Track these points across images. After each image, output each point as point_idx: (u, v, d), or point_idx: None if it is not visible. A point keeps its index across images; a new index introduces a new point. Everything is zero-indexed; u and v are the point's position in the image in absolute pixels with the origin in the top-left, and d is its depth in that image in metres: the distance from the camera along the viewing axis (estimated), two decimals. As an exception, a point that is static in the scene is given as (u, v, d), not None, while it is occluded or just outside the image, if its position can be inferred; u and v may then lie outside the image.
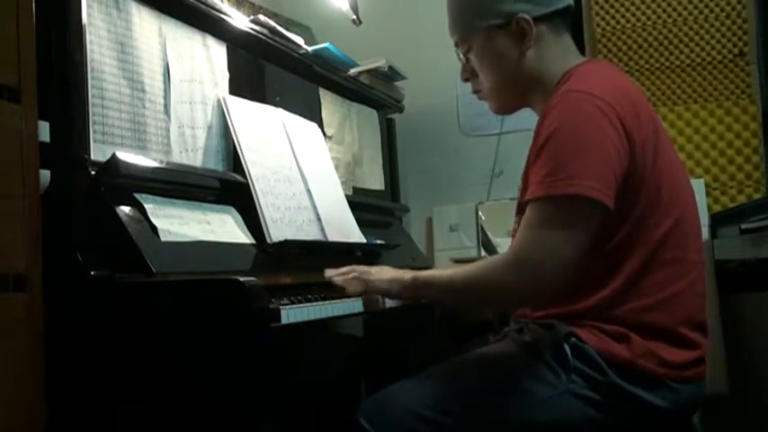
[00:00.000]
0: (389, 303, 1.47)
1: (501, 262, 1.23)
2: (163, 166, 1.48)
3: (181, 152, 1.61)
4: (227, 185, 1.64)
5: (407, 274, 1.37)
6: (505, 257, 1.22)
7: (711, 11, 2.66)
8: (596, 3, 2.74)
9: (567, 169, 1.17)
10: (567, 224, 1.18)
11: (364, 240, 1.97)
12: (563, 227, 1.18)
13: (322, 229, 1.80)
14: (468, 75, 1.46)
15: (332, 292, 1.42)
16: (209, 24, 1.73)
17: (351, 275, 1.42)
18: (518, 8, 1.34)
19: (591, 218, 1.18)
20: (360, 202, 2.20)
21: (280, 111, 1.90)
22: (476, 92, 1.48)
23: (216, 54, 1.76)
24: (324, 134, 2.12)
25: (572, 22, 1.42)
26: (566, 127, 1.20)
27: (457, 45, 1.45)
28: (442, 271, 1.39)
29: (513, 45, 1.36)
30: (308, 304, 1.26)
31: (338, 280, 1.42)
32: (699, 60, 2.66)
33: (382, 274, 1.41)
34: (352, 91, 2.39)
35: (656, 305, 1.24)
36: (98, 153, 1.37)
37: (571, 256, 1.18)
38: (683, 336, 1.25)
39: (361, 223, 2.02)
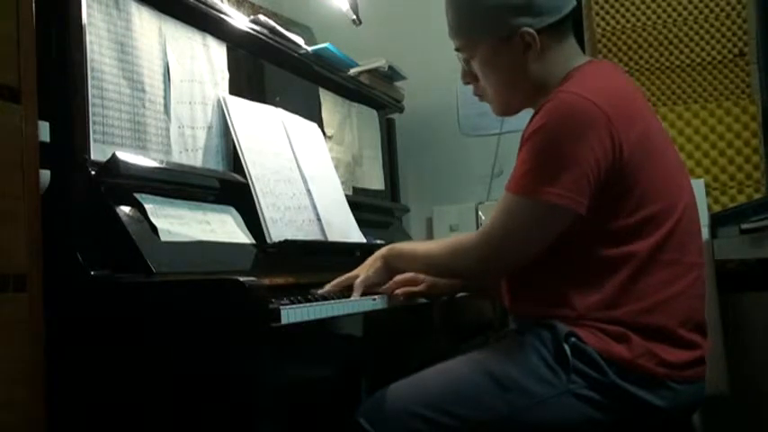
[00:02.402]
0: (384, 303, 1.47)
1: (465, 245, 1.34)
2: (163, 166, 1.48)
3: (181, 152, 1.61)
4: (227, 185, 1.63)
5: (382, 250, 1.47)
6: (470, 241, 1.32)
7: (711, 11, 2.66)
8: (596, 3, 2.74)
9: (542, 172, 1.23)
10: (531, 223, 1.26)
11: (364, 240, 1.97)
12: (527, 224, 1.26)
13: (322, 229, 1.80)
14: (470, 79, 1.47)
15: (332, 292, 1.42)
16: (209, 24, 1.73)
17: (341, 284, 1.45)
18: (522, 22, 1.33)
19: (556, 222, 1.25)
20: (360, 202, 2.20)
21: (280, 111, 1.90)
22: (477, 95, 1.49)
23: (216, 54, 1.76)
24: (324, 134, 2.12)
25: (573, 21, 1.42)
26: (548, 126, 1.23)
27: (458, 50, 1.45)
28: (417, 244, 1.53)
29: (517, 57, 1.36)
30: (308, 304, 1.26)
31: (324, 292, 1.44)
32: (699, 60, 2.66)
33: (363, 266, 1.48)
34: (352, 91, 2.39)
35: (655, 307, 1.24)
36: (98, 153, 1.37)
37: (527, 251, 1.28)
38: (682, 337, 1.25)
39: (361, 223, 2.02)
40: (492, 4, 1.35)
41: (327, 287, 1.42)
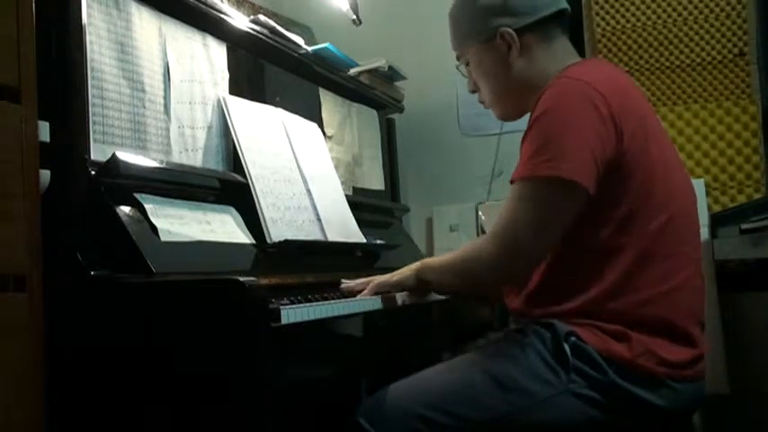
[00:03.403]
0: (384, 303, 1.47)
1: (481, 239, 1.30)
2: (163, 166, 1.48)
3: (181, 152, 1.61)
4: (227, 185, 1.63)
5: (416, 263, 1.43)
6: (485, 236, 1.29)
7: (711, 11, 2.66)
8: (596, 3, 2.74)
9: (548, 151, 1.21)
10: (544, 204, 1.23)
11: (364, 240, 1.97)
12: (540, 206, 1.23)
13: (322, 229, 1.80)
14: (474, 87, 1.51)
15: (332, 291, 1.42)
16: (210, 24, 1.73)
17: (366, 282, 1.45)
18: (500, 22, 1.38)
19: (569, 199, 1.22)
20: (360, 202, 2.20)
21: (280, 111, 1.90)
22: (481, 101, 1.53)
23: (216, 54, 1.76)
24: (324, 134, 2.12)
25: (570, 23, 1.44)
26: (553, 110, 1.24)
27: (458, 58, 1.51)
28: (447, 255, 1.42)
29: (501, 58, 1.40)
30: (308, 304, 1.26)
31: (351, 286, 1.45)
32: (699, 60, 2.66)
33: (393, 274, 1.45)
34: (352, 91, 2.38)
35: (655, 298, 1.25)
36: (98, 153, 1.37)
37: (545, 236, 1.24)
38: (683, 330, 1.26)
39: (362, 223, 2.02)
40: (473, 9, 1.41)
41: (352, 283, 1.44)
